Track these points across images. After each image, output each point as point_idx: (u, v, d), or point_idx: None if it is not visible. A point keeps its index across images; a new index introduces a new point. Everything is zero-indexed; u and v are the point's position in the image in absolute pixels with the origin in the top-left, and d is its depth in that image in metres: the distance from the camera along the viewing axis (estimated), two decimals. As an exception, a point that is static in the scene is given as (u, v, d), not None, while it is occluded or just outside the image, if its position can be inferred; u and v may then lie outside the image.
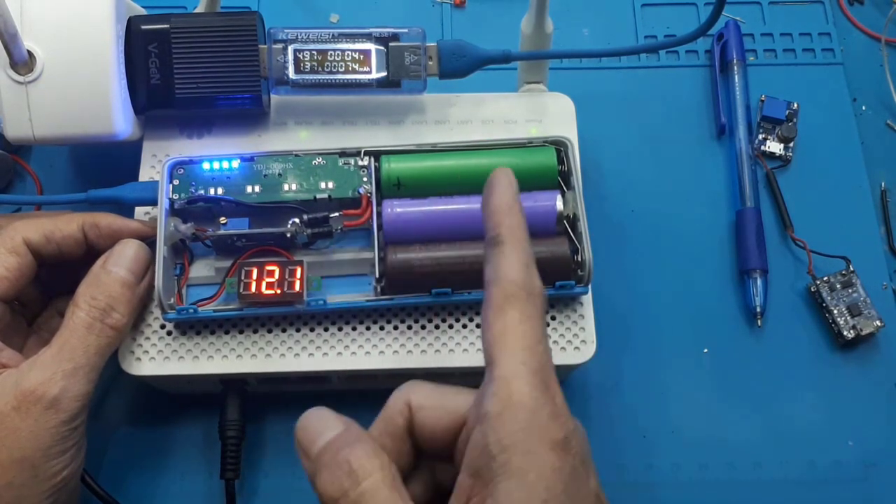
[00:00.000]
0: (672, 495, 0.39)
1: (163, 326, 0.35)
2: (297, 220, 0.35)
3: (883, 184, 0.46)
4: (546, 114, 0.40)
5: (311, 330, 0.35)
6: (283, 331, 0.35)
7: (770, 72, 0.48)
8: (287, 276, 0.34)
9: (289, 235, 0.35)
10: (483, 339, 0.26)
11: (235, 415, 0.37)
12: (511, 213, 0.28)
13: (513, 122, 0.39)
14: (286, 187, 0.36)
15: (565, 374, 0.40)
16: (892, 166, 0.46)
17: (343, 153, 0.37)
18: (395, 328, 0.35)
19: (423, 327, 0.35)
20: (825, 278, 0.42)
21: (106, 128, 0.36)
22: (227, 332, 0.35)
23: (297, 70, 0.37)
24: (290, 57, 0.37)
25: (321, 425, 0.27)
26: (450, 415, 0.27)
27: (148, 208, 0.37)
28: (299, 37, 0.37)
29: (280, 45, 0.37)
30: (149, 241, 0.35)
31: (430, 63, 0.38)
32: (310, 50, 0.37)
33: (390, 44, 0.37)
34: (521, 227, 0.28)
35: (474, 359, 0.35)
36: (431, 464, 0.28)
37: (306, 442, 0.26)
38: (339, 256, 0.36)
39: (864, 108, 0.48)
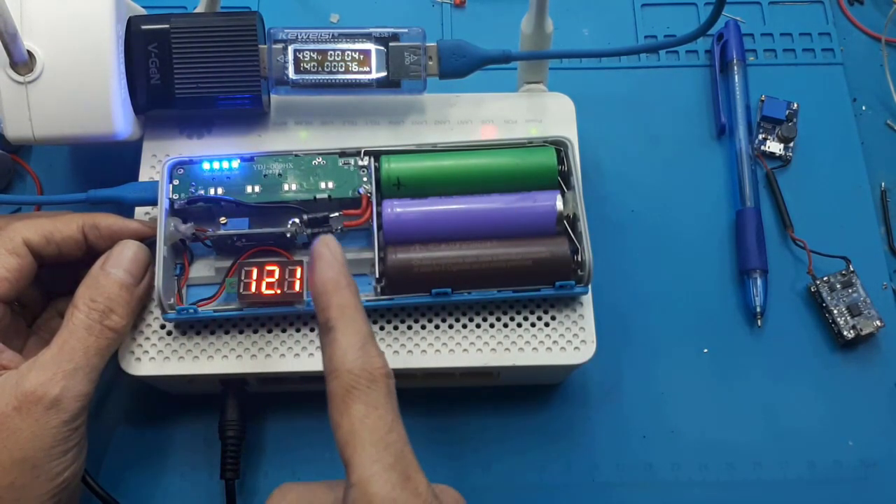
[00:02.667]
0: (672, 495, 0.39)
1: (163, 326, 0.35)
2: (297, 220, 0.35)
3: (883, 184, 0.46)
4: (546, 114, 0.40)
5: (311, 330, 0.35)
6: (283, 331, 0.35)
7: (770, 72, 0.48)
8: (287, 276, 0.34)
9: (289, 235, 0.35)
10: (335, 439, 0.25)
11: (235, 415, 0.37)
12: (337, 291, 0.27)
13: (513, 122, 0.39)
14: (286, 187, 0.36)
15: (565, 374, 0.40)
16: (892, 166, 0.46)
17: (343, 153, 0.37)
18: (395, 328, 0.35)
19: (423, 327, 0.35)
20: (825, 278, 0.42)
21: (106, 128, 0.36)
22: (227, 332, 0.35)
23: (297, 70, 0.37)
24: (290, 57, 0.37)
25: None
26: None
27: (148, 208, 0.37)
28: (299, 37, 0.37)
29: (280, 45, 0.37)
30: (149, 241, 0.35)
31: (430, 63, 0.38)
32: (310, 50, 0.37)
33: (390, 44, 0.37)
34: (351, 305, 0.26)
35: (474, 359, 0.35)
36: None
37: None
38: (339, 256, 0.36)
39: (864, 108, 0.48)
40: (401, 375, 0.36)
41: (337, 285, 0.27)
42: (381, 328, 0.35)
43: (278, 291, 0.34)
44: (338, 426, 0.25)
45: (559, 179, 0.36)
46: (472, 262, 0.34)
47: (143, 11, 0.38)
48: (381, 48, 0.37)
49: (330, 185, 0.36)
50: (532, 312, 0.36)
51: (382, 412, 0.25)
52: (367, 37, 0.37)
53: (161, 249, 0.34)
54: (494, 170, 0.36)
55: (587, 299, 0.36)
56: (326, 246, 0.28)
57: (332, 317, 0.26)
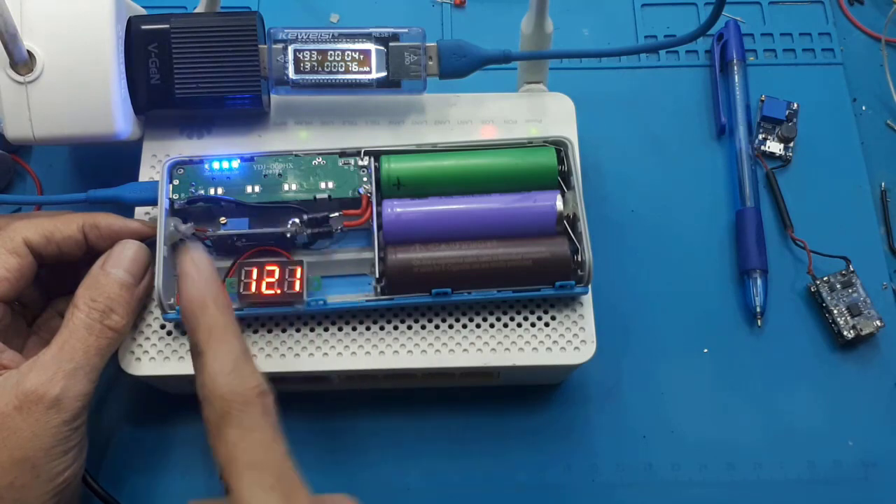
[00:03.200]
0: (672, 495, 0.39)
1: (163, 326, 0.35)
2: (297, 220, 0.35)
3: (883, 184, 0.46)
4: (546, 114, 0.40)
5: (311, 330, 0.35)
6: (283, 331, 0.35)
7: (770, 72, 0.48)
8: (287, 276, 0.34)
9: (289, 235, 0.35)
10: (215, 465, 0.25)
11: (235, 415, 0.37)
12: (203, 310, 0.26)
13: (513, 122, 0.39)
14: (286, 187, 0.36)
15: (565, 374, 0.40)
16: (892, 166, 0.46)
17: (343, 153, 0.37)
18: (395, 328, 0.35)
19: (423, 327, 0.35)
20: (825, 278, 0.42)
21: (106, 128, 0.36)
22: (227, 333, 0.35)
23: (297, 70, 0.37)
24: (290, 57, 0.37)
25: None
26: None
27: (148, 208, 0.37)
28: (299, 37, 0.37)
29: (280, 45, 0.37)
30: (149, 241, 0.35)
31: (430, 63, 0.38)
32: (310, 50, 0.37)
33: (390, 44, 0.37)
34: (219, 325, 0.25)
35: (474, 359, 0.35)
36: None
37: None
38: (339, 256, 0.36)
39: (864, 108, 0.48)
40: (401, 375, 0.37)
41: (202, 305, 0.26)
42: (382, 328, 0.35)
43: (278, 291, 0.34)
44: (216, 452, 0.25)
45: (559, 179, 0.36)
46: (472, 262, 0.34)
47: (143, 11, 0.38)
48: (381, 48, 0.37)
49: (330, 185, 0.36)
50: (532, 312, 0.36)
51: (258, 434, 0.25)
52: (367, 37, 0.37)
53: (161, 249, 0.34)
54: (494, 170, 0.36)
55: (587, 299, 0.36)
56: (192, 262, 0.26)
57: (200, 340, 0.26)
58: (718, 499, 0.39)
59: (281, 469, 0.25)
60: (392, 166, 0.36)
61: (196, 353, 0.26)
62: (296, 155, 0.36)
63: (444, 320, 0.36)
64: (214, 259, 0.36)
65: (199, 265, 0.27)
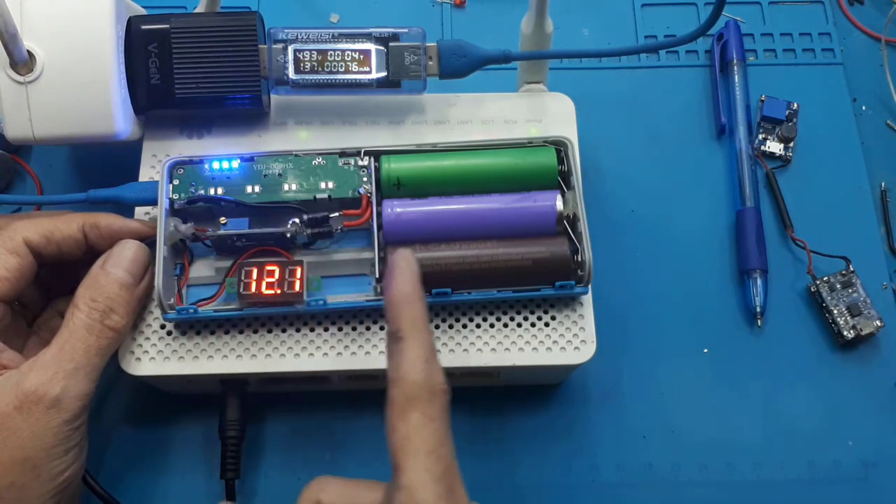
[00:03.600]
0: (672, 495, 0.39)
1: (163, 326, 0.35)
2: (297, 220, 0.35)
3: (883, 184, 0.46)
4: (546, 114, 0.40)
5: (311, 330, 0.35)
6: (283, 331, 0.35)
7: (770, 72, 0.48)
8: (287, 276, 0.34)
9: (289, 235, 0.35)
10: (388, 441, 0.26)
11: (235, 415, 0.37)
12: (410, 304, 0.28)
13: (513, 122, 0.39)
14: (286, 187, 0.36)
15: (565, 374, 0.40)
16: (892, 166, 0.46)
17: (343, 153, 0.37)
18: (395, 328, 0.35)
19: (423, 327, 0.35)
20: (825, 278, 0.42)
21: (106, 128, 0.36)
22: (227, 332, 0.35)
23: (297, 70, 0.37)
24: (290, 57, 0.37)
25: None
26: None
27: (148, 208, 0.37)
28: (299, 37, 0.37)
29: (280, 45, 0.37)
30: (149, 241, 0.35)
31: (430, 63, 0.38)
32: (310, 50, 0.37)
33: (390, 44, 0.37)
34: (421, 318, 0.27)
35: (474, 359, 0.35)
36: None
37: None
38: (339, 256, 0.36)
39: (864, 108, 0.48)
40: (401, 375, 0.37)
41: (410, 299, 0.28)
42: (382, 328, 0.35)
43: (278, 291, 0.34)
44: (394, 430, 0.26)
45: (559, 179, 0.36)
46: (472, 262, 0.34)
47: (143, 11, 0.38)
48: (381, 48, 0.37)
49: (330, 185, 0.36)
50: (532, 312, 0.36)
51: (438, 425, 0.26)
52: (367, 37, 0.37)
53: (161, 249, 0.34)
54: (494, 170, 0.36)
55: (587, 299, 0.36)
56: (405, 259, 0.29)
57: (402, 328, 0.27)
58: (718, 499, 0.39)
59: (450, 464, 0.26)
60: (392, 166, 0.36)
61: (395, 339, 0.27)
62: (296, 155, 0.36)
63: (444, 320, 0.36)
64: (214, 259, 0.36)
65: (409, 261, 0.29)
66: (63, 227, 0.34)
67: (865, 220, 0.45)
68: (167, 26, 0.36)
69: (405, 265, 0.29)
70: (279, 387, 0.39)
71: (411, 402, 0.26)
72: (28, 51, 0.34)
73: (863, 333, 0.41)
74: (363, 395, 0.40)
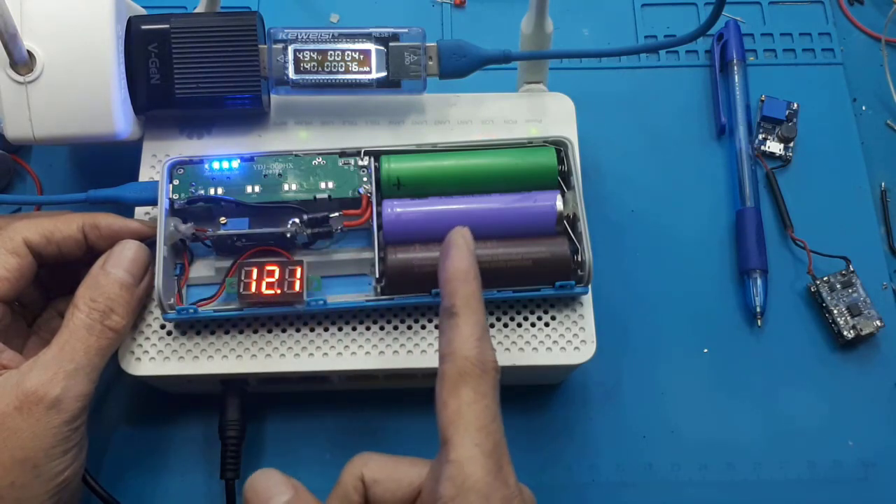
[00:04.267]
0: (672, 495, 0.39)
1: (163, 326, 0.35)
2: (297, 220, 0.35)
3: (883, 184, 0.46)
4: (546, 114, 0.40)
5: (311, 330, 0.35)
6: (283, 331, 0.35)
7: (770, 72, 0.48)
8: (287, 276, 0.34)
9: (289, 235, 0.35)
10: (438, 416, 0.26)
11: (235, 415, 0.37)
12: (467, 281, 0.28)
13: (513, 122, 0.39)
14: (286, 187, 0.36)
15: (565, 374, 0.40)
16: (892, 166, 0.46)
17: (343, 153, 0.37)
18: (395, 328, 0.35)
19: (423, 327, 0.35)
20: (825, 278, 0.42)
21: (106, 128, 0.36)
22: (227, 332, 0.35)
23: (297, 70, 0.37)
24: (290, 57, 0.37)
25: (271, 489, 0.27)
26: (404, 488, 0.27)
27: (148, 208, 0.37)
28: (299, 37, 0.37)
29: (280, 45, 0.37)
30: (149, 241, 0.35)
31: (430, 63, 0.38)
32: (310, 50, 0.37)
33: (390, 44, 0.37)
34: (476, 297, 0.28)
35: (474, 359, 0.35)
36: None
37: None
38: (339, 256, 0.36)
39: (864, 108, 0.48)
40: (401, 376, 0.37)
41: (467, 275, 0.28)
42: (382, 328, 0.35)
43: (278, 291, 0.34)
44: (445, 405, 0.26)
45: (559, 179, 0.36)
46: (472, 262, 0.34)
47: (143, 11, 0.38)
48: (381, 48, 0.37)
49: (330, 185, 0.36)
50: (532, 312, 0.36)
51: (489, 402, 0.26)
52: (367, 37, 0.37)
53: (161, 249, 0.34)
54: (494, 170, 0.36)
55: (587, 299, 0.36)
56: (462, 236, 0.29)
57: (457, 304, 0.27)
58: (718, 499, 0.39)
59: (499, 441, 0.26)
60: (392, 166, 0.36)
61: (449, 315, 0.27)
62: (296, 155, 0.36)
63: (444, 320, 0.36)
64: (214, 259, 0.36)
65: (466, 238, 0.29)
66: (63, 227, 0.34)
67: (865, 220, 0.45)
68: (167, 26, 0.36)
69: (462, 242, 0.29)
70: (279, 387, 0.39)
71: (463, 378, 0.26)
72: (28, 51, 0.34)
73: (863, 333, 0.41)
74: (363, 396, 0.40)
